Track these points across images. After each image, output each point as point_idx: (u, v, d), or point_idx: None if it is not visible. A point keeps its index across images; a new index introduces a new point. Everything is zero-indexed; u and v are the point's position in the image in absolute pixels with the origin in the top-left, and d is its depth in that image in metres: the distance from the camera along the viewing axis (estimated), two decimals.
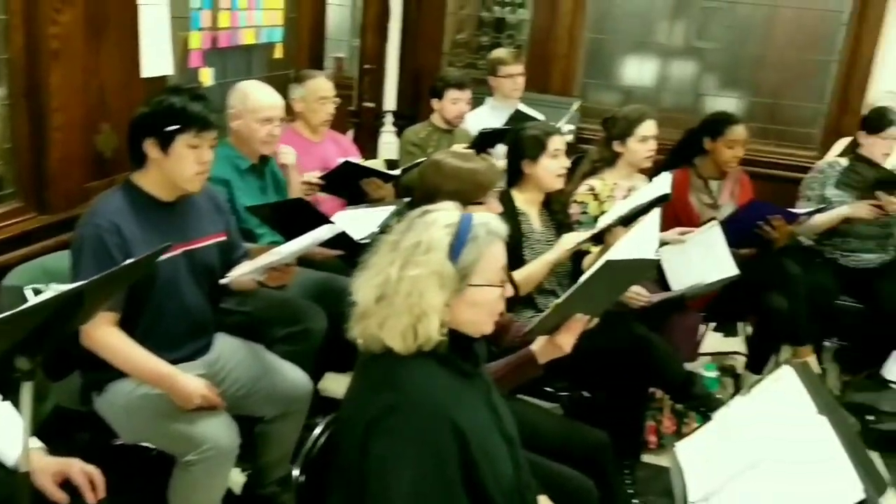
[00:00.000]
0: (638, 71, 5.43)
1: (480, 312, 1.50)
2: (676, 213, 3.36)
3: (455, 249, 1.45)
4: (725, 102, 5.33)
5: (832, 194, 3.55)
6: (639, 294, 2.93)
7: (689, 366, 3.05)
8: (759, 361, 3.28)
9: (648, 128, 3.10)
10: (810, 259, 3.65)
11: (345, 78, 5.39)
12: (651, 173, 3.44)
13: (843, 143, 4.20)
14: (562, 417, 2.47)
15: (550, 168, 2.68)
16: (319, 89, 3.20)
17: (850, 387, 3.43)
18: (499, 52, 4.20)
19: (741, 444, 1.52)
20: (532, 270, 2.54)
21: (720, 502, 1.44)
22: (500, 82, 4.11)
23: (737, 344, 3.73)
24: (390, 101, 5.25)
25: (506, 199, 2.70)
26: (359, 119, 5.07)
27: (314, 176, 3.03)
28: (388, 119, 5.20)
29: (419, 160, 2.93)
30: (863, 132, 3.52)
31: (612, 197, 3.12)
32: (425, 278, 1.42)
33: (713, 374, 3.27)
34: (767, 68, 5.23)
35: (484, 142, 3.43)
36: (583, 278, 1.96)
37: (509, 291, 1.56)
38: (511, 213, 2.65)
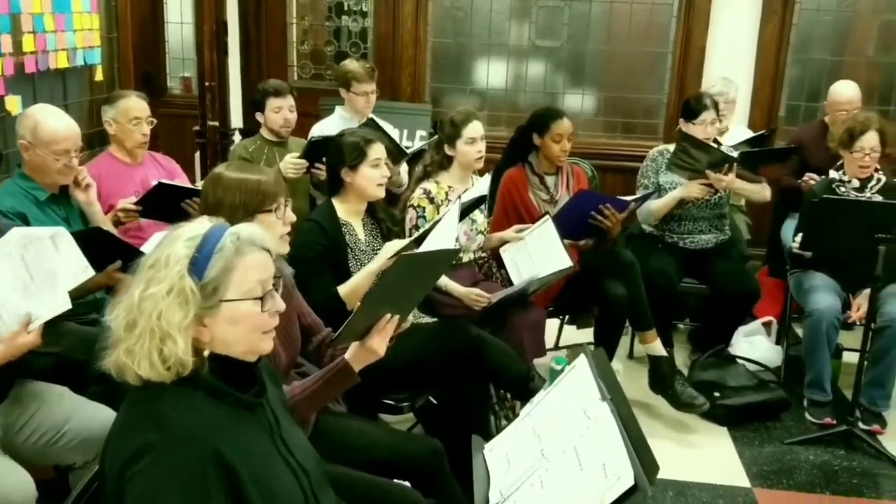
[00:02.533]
0: (489, 73, 5.48)
1: (244, 329, 1.39)
2: (519, 212, 3.38)
3: (198, 263, 1.34)
4: (575, 99, 5.47)
5: (665, 181, 3.65)
6: (480, 296, 2.92)
7: (539, 361, 3.07)
8: (606, 349, 3.31)
9: (474, 129, 3.09)
10: (652, 245, 3.75)
11: (194, 97, 5.21)
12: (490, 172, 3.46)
13: None
14: (393, 430, 2.41)
15: (371, 177, 2.61)
16: (131, 109, 3.02)
17: (697, 366, 3.51)
18: (351, 66, 3.98)
19: (537, 438, 1.49)
20: (357, 283, 2.46)
21: (515, 502, 1.40)
22: (352, 98, 3.99)
23: (590, 335, 3.77)
24: (236, 118, 5.09)
25: (328, 210, 2.63)
26: (205, 139, 4.88)
27: (130, 202, 2.86)
28: (237, 137, 5.03)
29: None
30: (682, 120, 3.64)
31: (448, 200, 3.09)
32: (164, 296, 1.32)
33: (563, 367, 3.27)
34: (610, 63, 5.38)
35: (316, 151, 3.33)
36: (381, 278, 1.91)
37: (280, 306, 1.45)
38: (334, 225, 2.58)
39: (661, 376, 3.29)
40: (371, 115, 3.82)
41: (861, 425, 3.17)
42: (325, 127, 3.98)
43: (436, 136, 3.27)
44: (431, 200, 3.05)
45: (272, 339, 1.45)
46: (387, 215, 2.77)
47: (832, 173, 3.49)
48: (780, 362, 3.75)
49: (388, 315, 1.89)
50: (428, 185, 3.09)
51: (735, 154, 3.56)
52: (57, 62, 3.56)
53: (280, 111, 3.60)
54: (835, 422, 3.25)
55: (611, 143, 5.35)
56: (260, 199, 1.98)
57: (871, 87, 4.87)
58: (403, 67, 5.28)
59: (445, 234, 2.30)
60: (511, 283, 3.16)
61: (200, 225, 1.40)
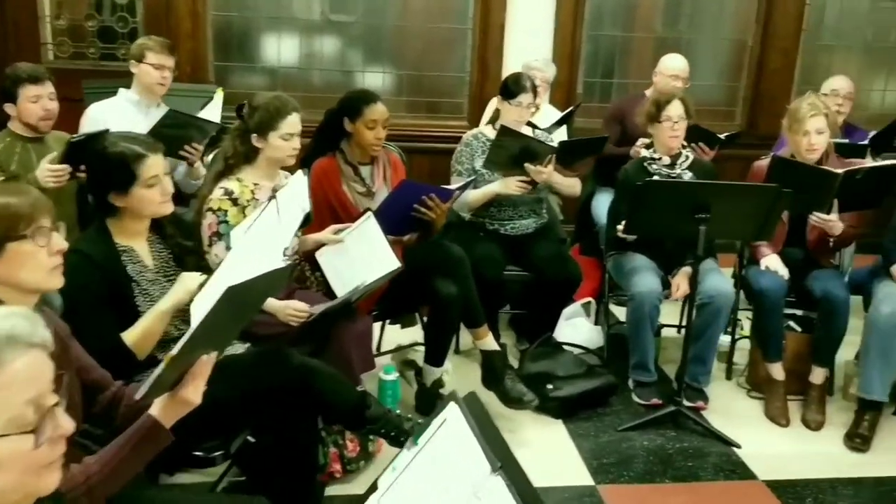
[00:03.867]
0: (279, 50, 5.04)
1: (12, 475, 0.95)
2: (332, 207, 3.04)
3: None
4: (375, 77, 5.18)
5: (482, 166, 3.47)
6: (298, 311, 2.56)
7: (366, 375, 2.77)
8: (437, 352, 3.09)
9: (293, 124, 2.67)
10: (474, 233, 3.57)
11: None
12: (298, 164, 3.08)
13: (492, 107, 4.20)
14: (214, 495, 2.02)
15: (148, 198, 2.10)
16: None
17: (527, 357, 3.39)
18: (147, 39, 3.58)
19: None
20: (146, 326, 2.00)
21: None
22: (145, 72, 3.47)
23: (416, 332, 3.54)
24: None
25: (99, 235, 2.11)
26: None
27: None
28: None
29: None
30: (500, 98, 3.49)
31: (254, 200, 2.68)
32: None
33: (393, 376, 3.02)
34: (409, 39, 5.15)
35: (79, 151, 2.74)
36: (199, 318, 1.53)
37: (66, 427, 1.02)
38: (108, 254, 2.07)
39: (493, 371, 3.11)
40: (169, 107, 3.34)
41: (686, 402, 3.20)
42: (107, 110, 3.41)
43: (238, 123, 2.79)
44: (235, 202, 2.62)
45: (59, 468, 1.01)
46: (177, 229, 2.28)
47: (643, 152, 3.49)
48: (603, 343, 3.73)
49: (205, 356, 1.55)
50: (229, 183, 2.65)
51: (555, 144, 3.47)
52: None
53: (38, 101, 2.95)
54: (661, 402, 3.27)
55: (415, 123, 5.14)
56: (7, 225, 1.50)
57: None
58: (181, 44, 4.69)
59: (269, 249, 1.92)
60: (329, 289, 2.84)
61: None
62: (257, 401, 2.11)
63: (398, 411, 2.60)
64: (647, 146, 3.50)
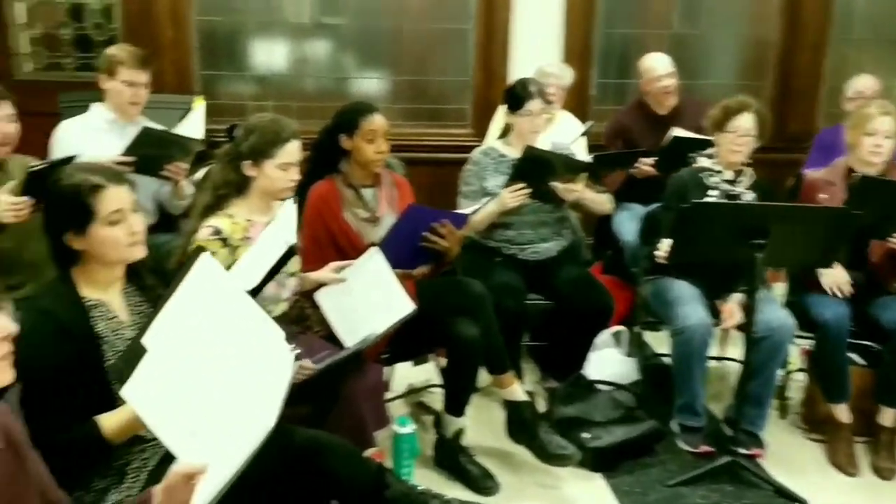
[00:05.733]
0: (268, 56, 4.64)
1: None
2: (333, 237, 2.65)
3: None
4: (369, 84, 4.80)
5: (493, 185, 3.10)
6: (302, 367, 2.17)
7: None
8: (458, 401, 2.69)
9: (291, 152, 2.31)
10: (489, 258, 3.20)
11: None
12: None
13: (499, 117, 3.83)
14: None
15: (111, 240, 1.71)
16: None
17: (557, 400, 2.99)
18: (117, 50, 3.12)
19: None
20: (127, 416, 1.59)
21: None
22: (116, 90, 3.06)
23: (430, 371, 3.15)
24: None
25: (63, 288, 1.72)
26: None
27: None
28: None
29: None
30: (507, 111, 3.12)
31: (247, 238, 2.30)
32: None
33: (409, 428, 2.62)
34: (405, 42, 4.76)
35: (37, 183, 2.32)
36: None
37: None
38: (74, 311, 1.68)
39: (523, 424, 2.71)
40: (145, 124, 2.96)
41: (740, 450, 2.81)
42: (76, 130, 3.03)
43: (228, 147, 2.41)
44: (224, 242, 2.24)
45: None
46: (157, 279, 1.88)
47: (701, 160, 3.09)
48: (636, 377, 3.32)
49: None
50: (218, 221, 2.26)
51: (588, 160, 3.11)
52: None
53: None
54: (712, 449, 2.88)
55: (415, 132, 4.75)
56: None
57: (678, 62, 4.59)
58: (164, 52, 4.29)
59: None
60: (332, 330, 2.46)
61: None
62: (256, 489, 1.71)
63: (415, 480, 2.21)
64: (709, 156, 3.10)
